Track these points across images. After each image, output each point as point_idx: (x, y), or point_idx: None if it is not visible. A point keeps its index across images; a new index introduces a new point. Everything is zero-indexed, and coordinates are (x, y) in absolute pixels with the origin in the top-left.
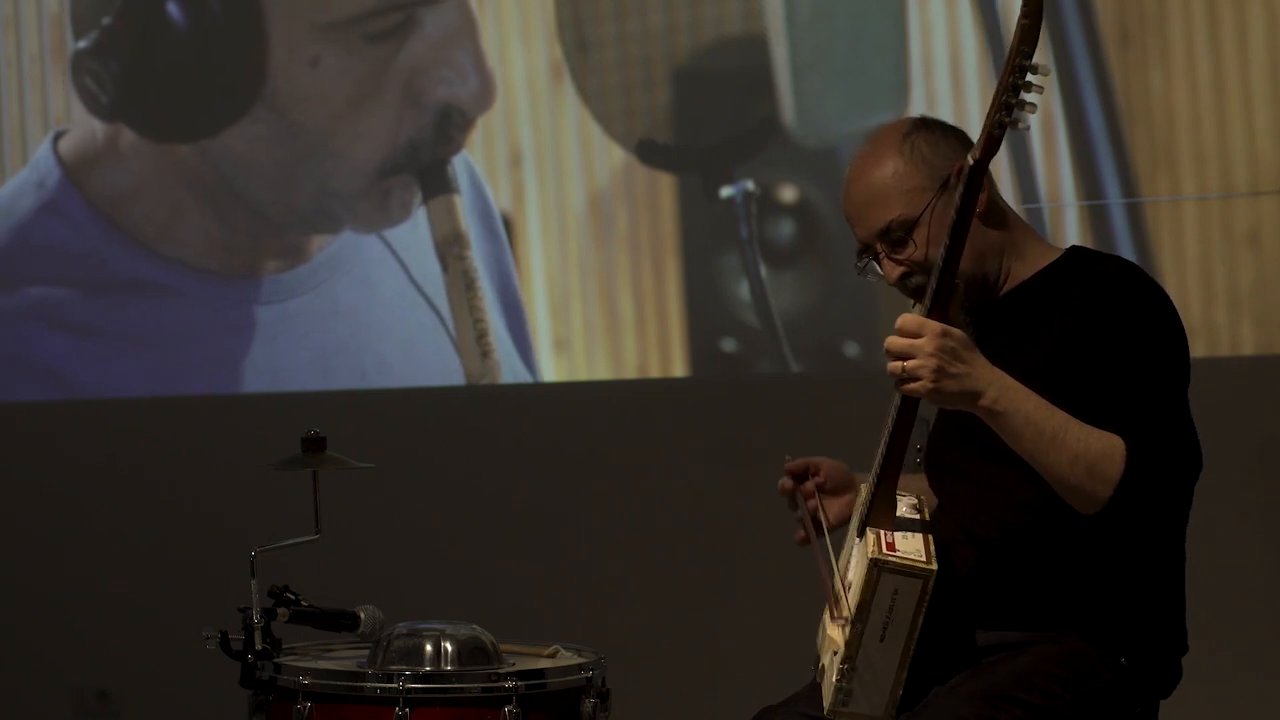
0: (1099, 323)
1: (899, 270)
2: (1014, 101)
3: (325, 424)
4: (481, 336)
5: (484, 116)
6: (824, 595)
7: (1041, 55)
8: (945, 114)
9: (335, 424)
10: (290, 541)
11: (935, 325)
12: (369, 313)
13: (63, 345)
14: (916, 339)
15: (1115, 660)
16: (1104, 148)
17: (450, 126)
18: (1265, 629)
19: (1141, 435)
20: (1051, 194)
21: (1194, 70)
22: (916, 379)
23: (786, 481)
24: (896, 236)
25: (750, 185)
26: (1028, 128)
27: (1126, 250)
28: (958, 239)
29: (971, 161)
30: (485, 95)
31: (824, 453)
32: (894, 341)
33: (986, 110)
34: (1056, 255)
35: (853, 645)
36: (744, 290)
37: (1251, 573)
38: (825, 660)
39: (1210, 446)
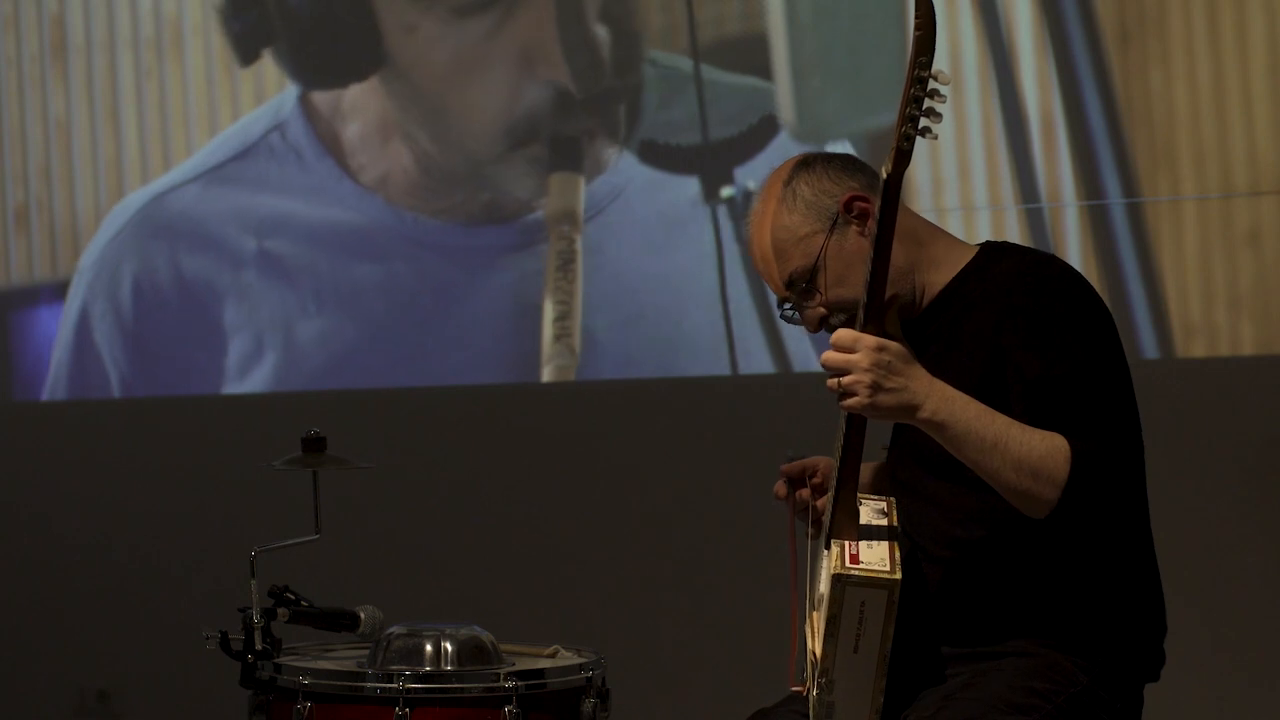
0: (1014, 319)
1: (816, 317)
2: (918, 113)
3: (324, 424)
4: (560, 319)
5: None
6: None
7: (1041, 55)
8: (944, 114)
9: (335, 424)
10: (290, 541)
11: (870, 339)
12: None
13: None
14: (851, 354)
15: (1091, 662)
16: (1104, 148)
17: (565, 106)
18: (1264, 628)
19: (1082, 432)
20: (1051, 194)
21: (1194, 70)
22: (853, 394)
23: (781, 487)
24: (801, 287)
25: (750, 185)
26: (936, 137)
27: (1127, 250)
28: (881, 254)
29: (884, 176)
30: (594, 74)
31: (824, 453)
32: (830, 357)
33: (983, 109)
34: (971, 255)
35: (829, 659)
36: (744, 290)
37: (1250, 573)
38: (807, 671)
39: (1210, 446)
